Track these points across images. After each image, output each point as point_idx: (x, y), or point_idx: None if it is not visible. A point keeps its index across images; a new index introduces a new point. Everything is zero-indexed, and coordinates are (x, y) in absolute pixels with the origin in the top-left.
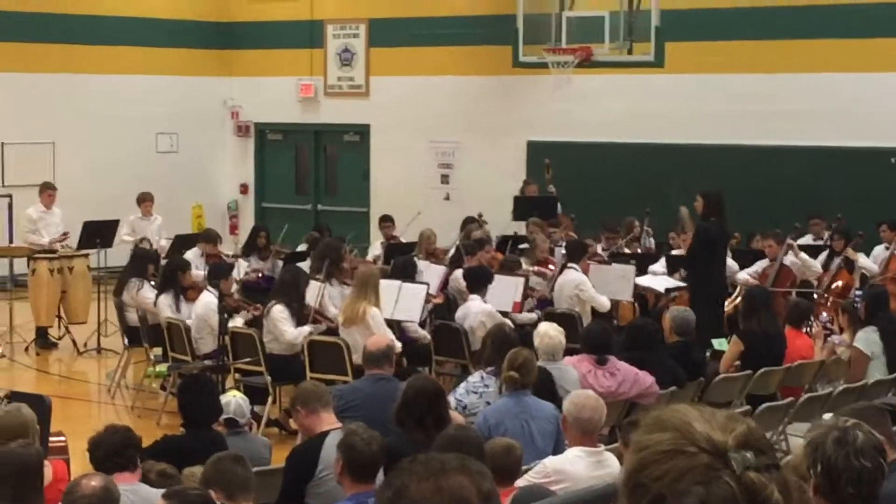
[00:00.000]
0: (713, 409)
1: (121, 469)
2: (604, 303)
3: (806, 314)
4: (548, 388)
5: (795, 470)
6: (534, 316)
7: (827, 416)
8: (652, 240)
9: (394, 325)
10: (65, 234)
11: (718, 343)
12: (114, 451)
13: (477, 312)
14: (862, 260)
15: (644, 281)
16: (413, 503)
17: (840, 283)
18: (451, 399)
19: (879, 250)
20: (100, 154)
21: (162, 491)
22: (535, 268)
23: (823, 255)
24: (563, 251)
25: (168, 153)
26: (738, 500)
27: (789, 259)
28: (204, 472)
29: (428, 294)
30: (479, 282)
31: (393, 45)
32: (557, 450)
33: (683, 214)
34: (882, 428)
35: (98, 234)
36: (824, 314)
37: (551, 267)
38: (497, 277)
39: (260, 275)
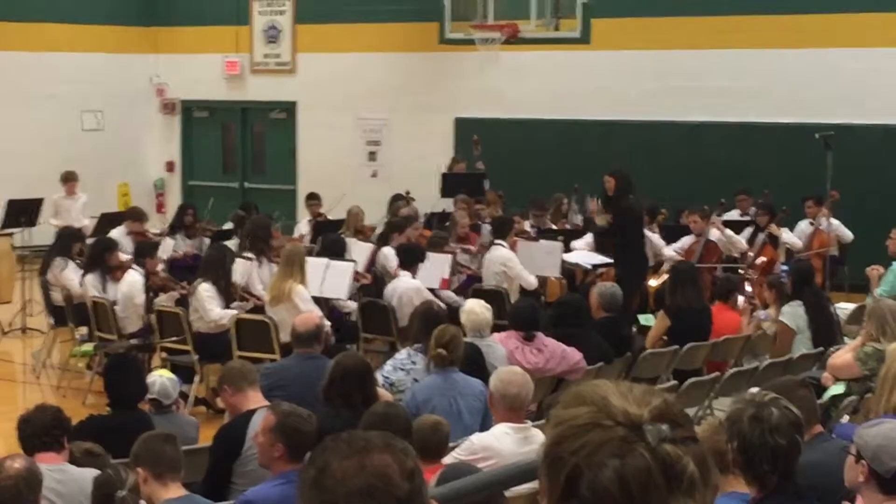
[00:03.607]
0: (631, 384)
1: (47, 448)
2: (530, 281)
3: (732, 289)
4: (477, 364)
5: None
6: (458, 297)
7: (753, 390)
8: (580, 216)
9: (322, 302)
10: None
11: (645, 318)
12: (41, 430)
13: (405, 289)
14: (786, 235)
15: (571, 257)
16: (336, 482)
17: (764, 258)
18: (379, 376)
19: (804, 225)
20: (24, 132)
21: (89, 470)
22: (460, 245)
23: (748, 231)
24: (490, 228)
25: (94, 131)
26: (654, 471)
27: (715, 235)
28: (133, 450)
29: (356, 271)
30: (411, 259)
31: (319, 22)
32: (485, 426)
33: (593, 206)
34: (805, 402)
35: (22, 212)
36: (749, 289)
37: (473, 243)
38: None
39: (185, 253)
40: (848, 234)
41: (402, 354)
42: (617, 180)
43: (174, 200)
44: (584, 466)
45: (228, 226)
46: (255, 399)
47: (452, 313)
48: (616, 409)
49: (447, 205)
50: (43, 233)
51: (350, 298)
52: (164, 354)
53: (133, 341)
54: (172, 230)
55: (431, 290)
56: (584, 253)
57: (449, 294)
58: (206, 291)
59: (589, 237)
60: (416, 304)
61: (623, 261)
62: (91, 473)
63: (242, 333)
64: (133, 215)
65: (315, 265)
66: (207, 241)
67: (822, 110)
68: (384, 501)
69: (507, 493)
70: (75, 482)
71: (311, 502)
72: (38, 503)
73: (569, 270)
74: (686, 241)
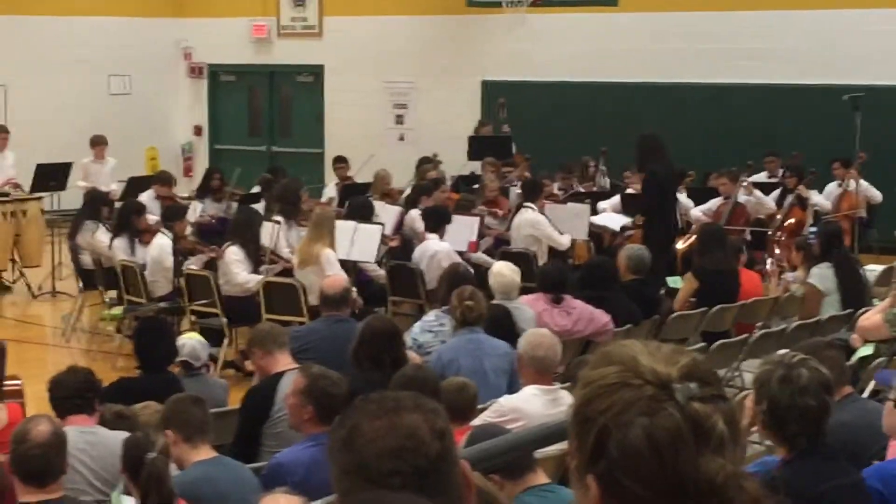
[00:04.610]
0: (659, 344)
1: (78, 411)
2: (562, 241)
3: (739, 251)
4: (506, 326)
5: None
6: (488, 258)
7: (782, 351)
8: (607, 179)
9: (350, 266)
10: (9, 180)
11: (673, 281)
12: (73, 392)
13: (434, 252)
14: (814, 197)
15: (599, 220)
16: (366, 442)
17: (793, 220)
18: (408, 338)
19: (832, 187)
20: (52, 97)
21: (120, 433)
22: (488, 208)
23: (776, 193)
24: (519, 191)
25: (121, 95)
26: (683, 430)
27: (743, 197)
28: (162, 412)
29: (383, 235)
30: (437, 221)
31: None
32: (512, 387)
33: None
34: (835, 363)
35: (51, 177)
36: (778, 251)
37: (502, 206)
38: (453, 217)
39: (214, 217)
40: (877, 196)
41: (431, 316)
42: (638, 147)
43: (202, 164)
44: (612, 426)
45: (256, 189)
46: (283, 361)
47: (483, 275)
48: (644, 368)
49: (474, 167)
50: (72, 197)
51: (378, 262)
52: (193, 317)
53: (162, 304)
54: (200, 194)
55: (460, 253)
56: (611, 215)
57: (480, 255)
58: (234, 255)
59: (616, 199)
60: (444, 267)
61: (652, 223)
62: (121, 436)
63: (271, 296)
64: (161, 179)
65: (343, 228)
66: (235, 204)
67: (851, 71)
68: (415, 461)
69: (537, 455)
70: (106, 445)
71: (341, 463)
72: (65, 466)
73: (596, 233)
74: (714, 203)
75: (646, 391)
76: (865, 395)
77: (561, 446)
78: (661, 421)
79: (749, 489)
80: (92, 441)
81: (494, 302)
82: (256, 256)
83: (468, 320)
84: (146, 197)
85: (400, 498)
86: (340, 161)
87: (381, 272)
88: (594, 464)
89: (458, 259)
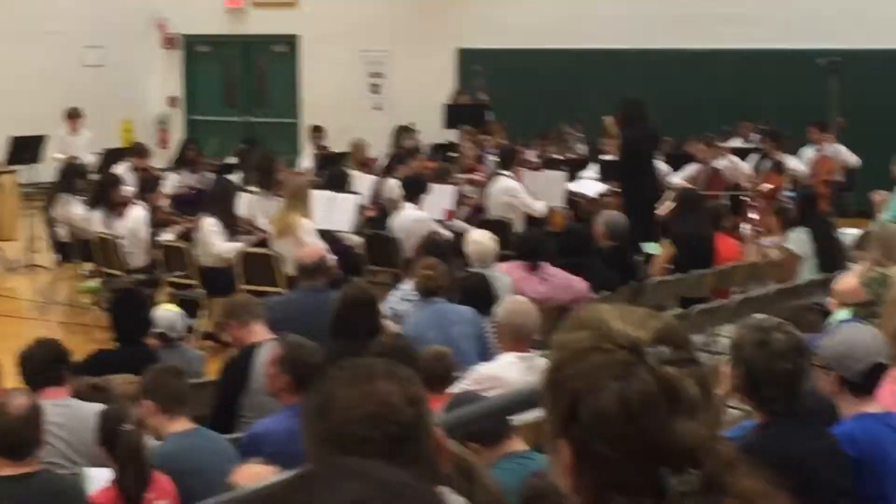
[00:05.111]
0: (632, 308)
1: (50, 383)
2: (538, 208)
3: (723, 216)
4: (485, 294)
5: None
6: (466, 225)
7: (758, 316)
8: (584, 146)
9: (326, 235)
10: None
11: (649, 246)
12: (44, 365)
13: (411, 221)
14: (791, 162)
15: (576, 186)
16: (340, 410)
17: (770, 185)
18: (385, 307)
19: (809, 152)
20: (26, 69)
21: (95, 405)
22: (465, 176)
23: (753, 158)
24: (495, 158)
25: (95, 67)
26: (655, 393)
27: (720, 162)
28: (141, 383)
29: (360, 204)
30: (415, 190)
31: None
32: (483, 351)
33: (608, 123)
34: (814, 327)
35: (26, 149)
36: (754, 216)
37: (479, 174)
38: (430, 186)
39: (189, 188)
40: (853, 159)
41: (408, 286)
42: (621, 110)
43: (177, 135)
44: (584, 390)
45: (232, 160)
46: (260, 332)
47: (460, 243)
48: (616, 332)
49: (451, 136)
50: (47, 169)
51: (355, 231)
52: (170, 289)
53: (139, 276)
54: (176, 165)
55: (437, 222)
56: (587, 182)
57: (458, 224)
58: (210, 225)
59: (594, 167)
60: (421, 236)
61: (629, 189)
62: (96, 408)
63: (247, 267)
64: (136, 151)
65: (319, 198)
66: (211, 175)
67: (826, 36)
68: (388, 428)
69: (514, 422)
70: (81, 418)
71: (315, 430)
72: (41, 439)
73: (573, 200)
74: (691, 168)
75: (617, 355)
76: None
77: (538, 413)
78: (633, 384)
79: (723, 453)
80: (66, 414)
81: (472, 270)
82: (233, 227)
83: (428, 290)
84: (122, 169)
85: (366, 464)
86: (317, 130)
87: (359, 240)
88: (566, 429)
89: (436, 227)
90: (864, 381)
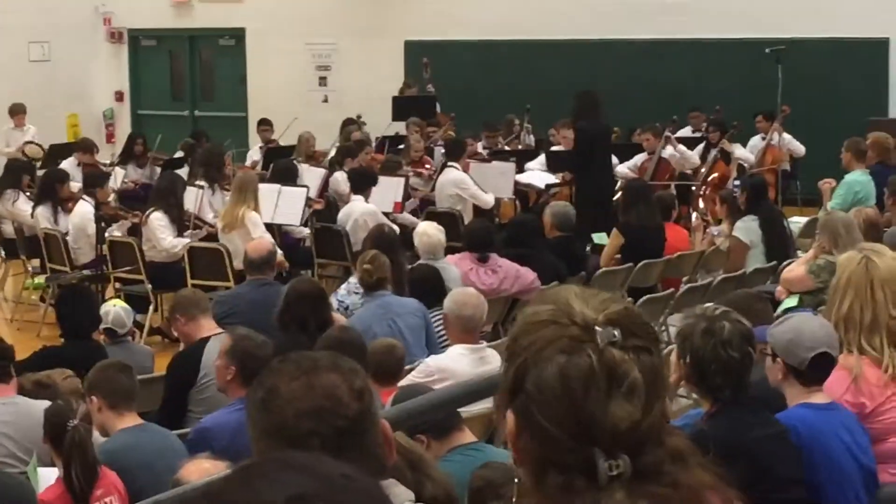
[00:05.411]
0: (598, 291)
1: None
2: (487, 199)
3: (670, 206)
4: (436, 286)
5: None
6: (414, 218)
7: (706, 305)
8: (532, 137)
9: (275, 229)
10: None
11: (598, 237)
12: None
13: (360, 213)
14: (738, 151)
15: (524, 178)
16: (284, 403)
17: (717, 174)
18: (334, 300)
19: (756, 141)
20: None
21: (42, 402)
22: (413, 168)
23: (700, 147)
24: (443, 150)
25: (40, 62)
26: (596, 372)
27: (668, 152)
28: (87, 379)
29: (308, 197)
30: (363, 183)
31: None
32: (430, 342)
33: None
34: (763, 316)
35: None
36: (702, 205)
37: (427, 167)
38: (378, 179)
39: (136, 183)
40: (800, 149)
41: (356, 278)
42: (576, 101)
43: (124, 130)
44: (531, 361)
45: (179, 154)
46: (208, 327)
47: (408, 235)
48: (574, 309)
49: (399, 128)
50: None
51: (303, 224)
52: (118, 285)
53: (86, 272)
54: (123, 160)
55: (386, 214)
56: (536, 173)
57: (406, 216)
58: (158, 220)
59: (542, 158)
60: (369, 228)
61: (582, 180)
62: (43, 405)
63: (196, 261)
64: (83, 146)
65: (267, 192)
66: (158, 170)
67: (773, 25)
68: (333, 421)
69: (464, 413)
70: (28, 414)
71: (260, 424)
72: None
73: (522, 192)
74: (639, 158)
75: (570, 331)
76: None
77: (487, 404)
78: (577, 360)
79: (672, 444)
80: (13, 412)
81: (422, 262)
82: (180, 221)
83: (369, 285)
84: (68, 164)
85: (308, 458)
86: (264, 123)
87: (306, 231)
88: (513, 398)
89: (384, 220)
90: (810, 371)
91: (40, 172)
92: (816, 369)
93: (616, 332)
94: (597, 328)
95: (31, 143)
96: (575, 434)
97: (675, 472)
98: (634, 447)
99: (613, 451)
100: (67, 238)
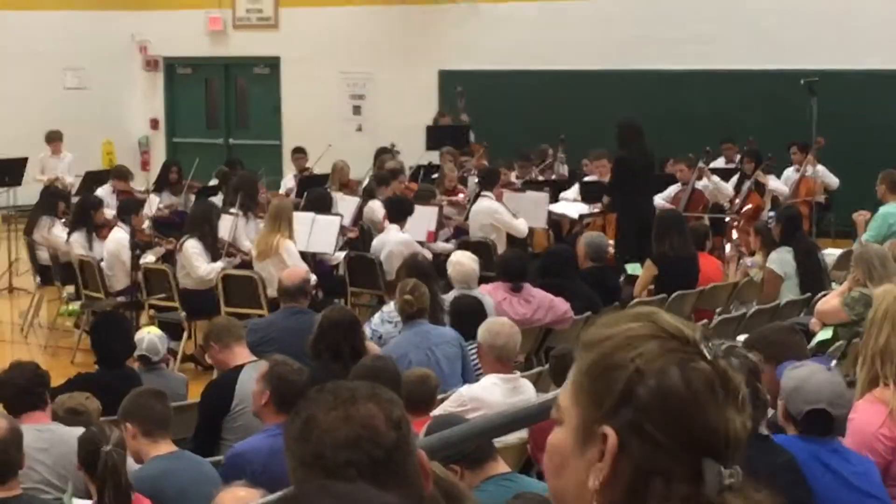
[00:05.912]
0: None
1: (32, 408)
2: (521, 228)
3: (704, 237)
4: (477, 316)
5: None
6: (450, 246)
7: (741, 337)
8: (566, 167)
9: (309, 257)
10: None
11: (632, 268)
12: (23, 389)
13: (395, 242)
14: (772, 182)
15: (558, 208)
16: (322, 433)
17: (751, 205)
18: (367, 329)
19: (790, 172)
20: (6, 91)
21: (76, 429)
22: (447, 197)
23: (735, 179)
24: (476, 179)
25: (76, 89)
26: (715, 385)
27: (701, 183)
28: (122, 406)
29: (342, 226)
30: (399, 212)
31: None
32: (465, 371)
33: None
34: (798, 349)
35: (7, 172)
36: (736, 236)
37: (461, 196)
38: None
39: (171, 210)
40: (834, 181)
41: (390, 307)
42: (618, 130)
43: (159, 158)
44: (645, 371)
45: (213, 182)
46: (242, 355)
47: (442, 265)
48: (669, 325)
49: (433, 157)
50: (28, 192)
51: (337, 253)
52: (152, 312)
53: (120, 299)
54: (157, 187)
55: (419, 244)
56: (570, 203)
57: (439, 245)
58: (192, 248)
59: (576, 188)
60: (404, 257)
61: (621, 210)
62: (78, 432)
63: (229, 289)
64: (118, 173)
65: (301, 220)
66: (193, 197)
67: (806, 56)
68: (371, 452)
69: (497, 444)
70: (64, 442)
71: (297, 454)
72: (22, 461)
73: (555, 221)
74: (672, 189)
75: (674, 344)
76: None
77: (521, 435)
78: (696, 373)
79: None
80: (48, 438)
81: (464, 292)
82: (215, 249)
83: (409, 314)
84: (103, 191)
85: (349, 488)
86: (299, 152)
87: (342, 256)
88: (614, 414)
89: (418, 249)
90: (804, 423)
91: (75, 199)
92: (811, 424)
93: (721, 346)
94: (700, 343)
95: (58, 179)
96: (688, 444)
97: (748, 489)
98: (738, 458)
99: (725, 460)
100: (102, 265)
